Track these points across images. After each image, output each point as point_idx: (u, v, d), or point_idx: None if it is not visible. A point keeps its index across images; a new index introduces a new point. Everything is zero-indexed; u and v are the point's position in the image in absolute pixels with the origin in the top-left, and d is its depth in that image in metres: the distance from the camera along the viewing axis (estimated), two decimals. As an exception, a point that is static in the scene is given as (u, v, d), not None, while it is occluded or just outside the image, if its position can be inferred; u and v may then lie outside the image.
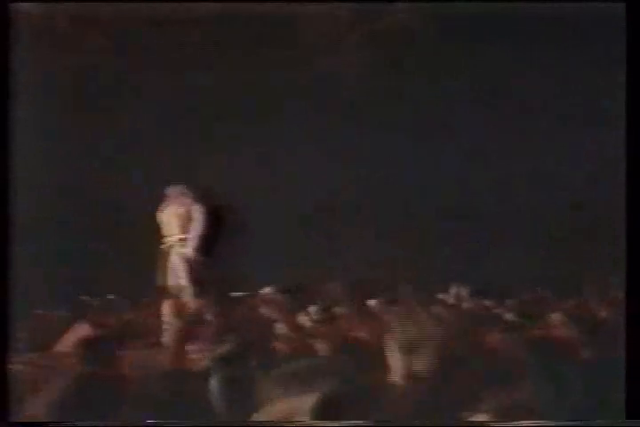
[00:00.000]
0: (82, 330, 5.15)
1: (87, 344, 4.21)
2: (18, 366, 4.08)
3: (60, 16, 7.89)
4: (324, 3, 8.00)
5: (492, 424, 2.84)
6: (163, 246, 7.46)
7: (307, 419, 2.91)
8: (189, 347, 5.29)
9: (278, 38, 8.35)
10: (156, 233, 7.47)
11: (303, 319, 6.26)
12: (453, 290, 7.37)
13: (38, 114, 7.50)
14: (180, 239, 7.38)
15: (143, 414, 3.67)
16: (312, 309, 6.45)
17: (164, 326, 6.42)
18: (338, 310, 6.65)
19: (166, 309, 6.85)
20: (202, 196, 7.51)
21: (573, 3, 7.12)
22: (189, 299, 7.03)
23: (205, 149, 8.06)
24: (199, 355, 4.98)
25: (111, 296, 7.57)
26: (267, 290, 7.43)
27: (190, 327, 6.23)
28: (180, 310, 6.70)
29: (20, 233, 4.39)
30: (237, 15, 7.98)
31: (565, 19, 7.66)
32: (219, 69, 8.39)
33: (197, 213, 7.42)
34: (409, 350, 3.92)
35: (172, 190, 7.52)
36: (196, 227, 7.37)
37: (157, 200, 7.59)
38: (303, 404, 2.98)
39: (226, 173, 7.95)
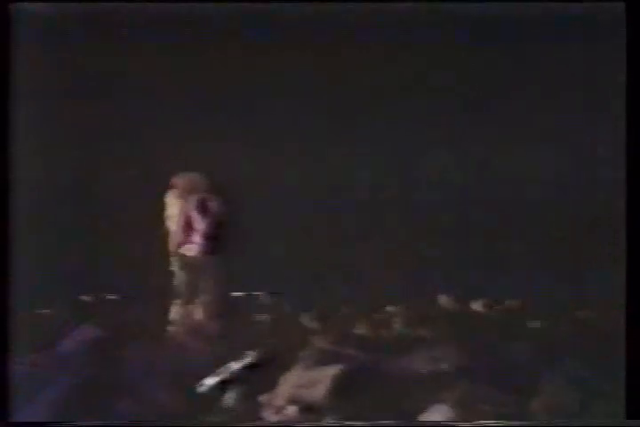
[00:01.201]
0: (85, 332, 5.15)
1: (90, 346, 4.22)
2: (18, 366, 4.08)
3: (61, 16, 7.88)
4: (323, 3, 8.00)
5: (489, 424, 2.83)
6: (165, 245, 7.24)
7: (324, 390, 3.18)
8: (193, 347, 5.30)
9: (277, 37, 8.36)
10: (156, 233, 7.43)
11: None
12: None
13: (38, 114, 7.49)
14: (185, 238, 6.73)
15: (143, 415, 3.67)
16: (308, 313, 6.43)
17: (167, 327, 6.40)
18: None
19: (170, 309, 6.70)
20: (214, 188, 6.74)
21: (573, 3, 7.12)
22: (191, 298, 6.92)
23: (205, 149, 8.06)
24: (203, 354, 4.99)
25: (111, 296, 7.56)
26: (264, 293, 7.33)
27: (193, 327, 6.25)
28: (183, 310, 6.62)
29: (19, 233, 4.39)
30: (237, 14, 7.98)
31: (565, 19, 7.66)
32: (218, 69, 8.40)
33: (212, 205, 6.68)
34: None
35: (181, 180, 6.75)
36: (207, 222, 6.66)
37: (157, 200, 7.55)
38: (322, 375, 3.26)
39: (226, 172, 7.94)
